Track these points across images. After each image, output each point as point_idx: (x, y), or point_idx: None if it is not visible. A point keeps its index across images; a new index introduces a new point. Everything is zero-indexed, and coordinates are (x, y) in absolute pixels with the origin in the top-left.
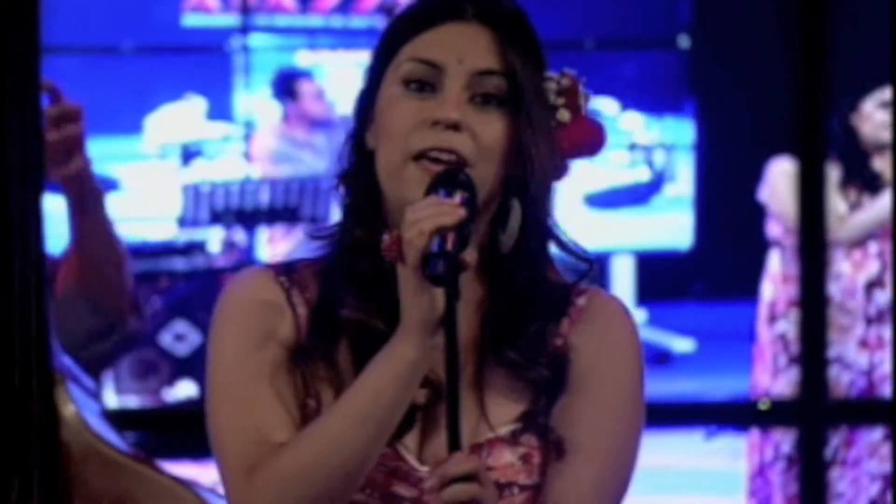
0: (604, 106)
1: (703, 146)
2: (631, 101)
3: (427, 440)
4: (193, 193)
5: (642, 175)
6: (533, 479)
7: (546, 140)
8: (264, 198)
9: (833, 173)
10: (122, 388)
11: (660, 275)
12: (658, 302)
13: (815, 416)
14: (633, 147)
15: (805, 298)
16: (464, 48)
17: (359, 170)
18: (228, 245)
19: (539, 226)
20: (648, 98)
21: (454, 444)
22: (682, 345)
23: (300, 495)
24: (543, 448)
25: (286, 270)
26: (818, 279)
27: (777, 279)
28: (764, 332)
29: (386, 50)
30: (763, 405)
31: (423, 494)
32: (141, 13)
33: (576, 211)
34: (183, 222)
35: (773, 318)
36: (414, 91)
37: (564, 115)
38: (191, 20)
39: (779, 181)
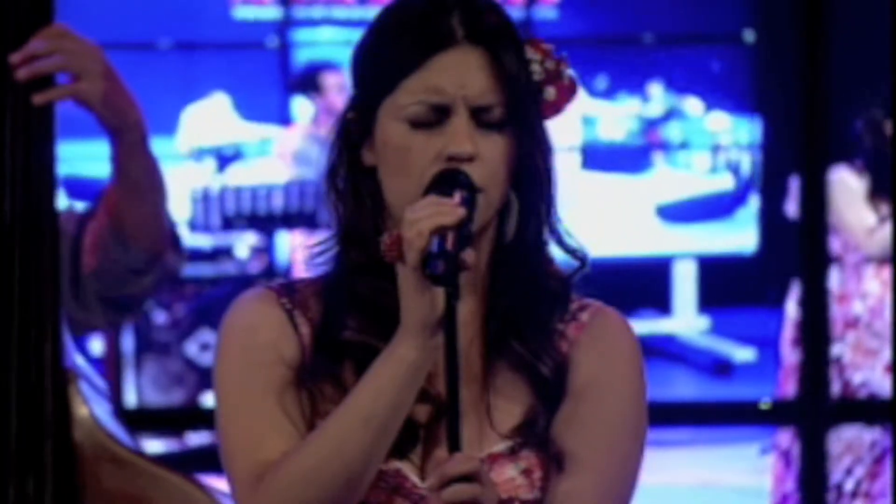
0: (689, 105)
1: (769, 146)
2: (715, 99)
3: (428, 458)
4: (202, 198)
5: (726, 183)
6: (534, 493)
7: (547, 148)
8: (278, 203)
9: (862, 183)
10: (146, 399)
11: (724, 281)
12: (721, 309)
13: (815, 416)
14: (716, 149)
15: (806, 298)
16: (463, 77)
17: (356, 189)
18: (256, 251)
19: (537, 216)
20: (725, 96)
21: (454, 445)
22: (743, 354)
23: (304, 501)
24: (543, 462)
25: (287, 291)
26: (819, 277)
27: (832, 298)
28: (788, 356)
29: (380, 79)
30: (763, 405)
31: None
32: (190, 5)
33: (647, 223)
34: (193, 227)
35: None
36: (421, 128)
37: (551, 92)
38: (241, 12)
39: (835, 192)
